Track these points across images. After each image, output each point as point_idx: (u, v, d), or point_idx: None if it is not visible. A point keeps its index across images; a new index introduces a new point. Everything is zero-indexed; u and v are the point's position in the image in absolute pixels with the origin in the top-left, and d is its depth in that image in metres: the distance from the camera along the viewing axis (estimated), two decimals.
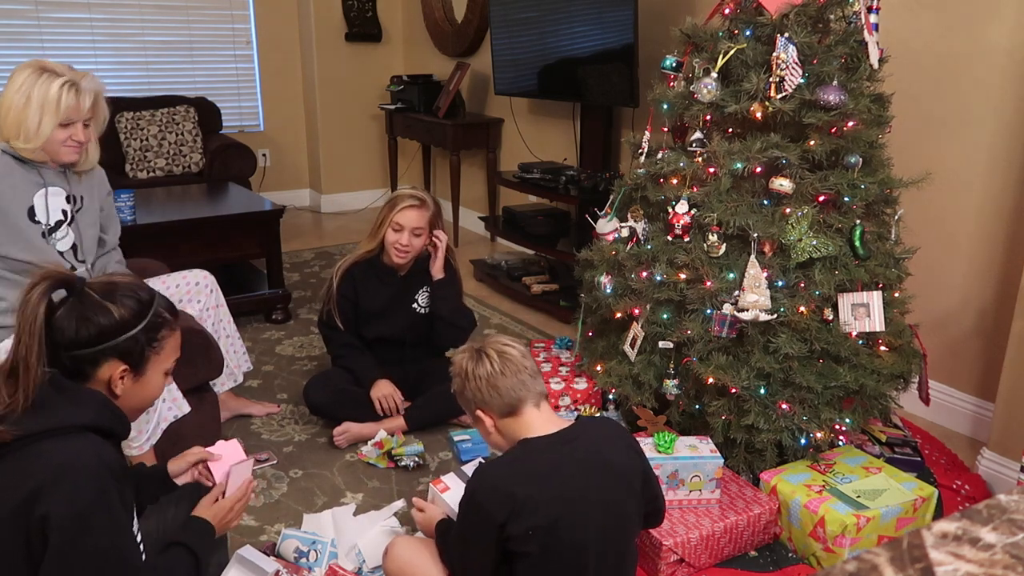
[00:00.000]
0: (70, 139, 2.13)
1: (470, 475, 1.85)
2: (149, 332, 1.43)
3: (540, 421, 1.60)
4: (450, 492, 1.86)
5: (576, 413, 2.60)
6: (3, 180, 2.10)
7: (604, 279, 2.46)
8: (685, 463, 2.04)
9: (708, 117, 2.27)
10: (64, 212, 2.22)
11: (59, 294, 1.40)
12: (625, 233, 2.44)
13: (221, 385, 2.60)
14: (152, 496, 1.68)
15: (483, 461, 2.07)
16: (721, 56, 2.21)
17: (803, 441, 2.16)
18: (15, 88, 2.07)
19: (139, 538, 1.43)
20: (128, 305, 1.42)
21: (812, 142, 2.14)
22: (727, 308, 2.13)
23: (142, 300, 1.45)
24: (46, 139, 2.09)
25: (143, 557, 1.42)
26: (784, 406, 2.13)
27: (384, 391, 2.64)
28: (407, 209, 2.63)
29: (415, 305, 2.78)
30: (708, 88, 2.21)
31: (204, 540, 1.57)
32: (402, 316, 2.76)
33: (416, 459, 2.46)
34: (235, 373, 2.67)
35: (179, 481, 1.72)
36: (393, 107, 5.31)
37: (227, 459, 1.70)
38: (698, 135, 2.28)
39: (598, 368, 2.56)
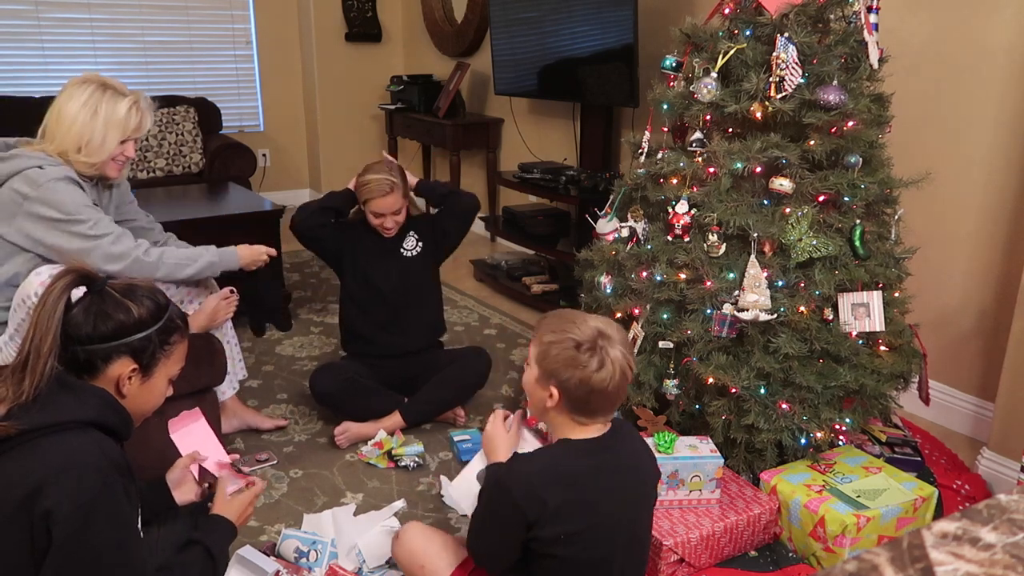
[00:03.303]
0: (122, 154, 2.18)
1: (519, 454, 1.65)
2: (163, 334, 1.47)
3: (595, 431, 1.54)
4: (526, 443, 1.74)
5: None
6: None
7: (604, 279, 2.46)
8: (685, 463, 2.04)
9: (708, 117, 2.27)
10: None
11: (80, 291, 1.42)
12: (625, 233, 2.44)
13: (222, 393, 2.59)
14: (153, 510, 1.69)
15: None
16: (721, 56, 2.21)
17: (803, 441, 2.16)
18: (80, 102, 2.10)
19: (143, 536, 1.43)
20: (147, 305, 1.45)
21: (812, 142, 2.13)
22: (727, 308, 2.13)
23: (159, 303, 1.49)
24: (108, 155, 2.14)
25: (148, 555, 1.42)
26: (784, 406, 2.13)
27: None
28: (379, 199, 2.66)
29: (403, 250, 2.81)
30: (708, 88, 2.21)
31: (221, 537, 1.58)
32: (392, 263, 2.79)
33: (416, 459, 2.47)
34: (233, 380, 2.66)
35: (178, 490, 1.73)
36: (393, 107, 5.31)
37: (190, 436, 1.75)
38: (698, 135, 2.28)
39: None
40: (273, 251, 2.50)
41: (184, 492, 1.74)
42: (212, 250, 2.33)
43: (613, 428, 1.57)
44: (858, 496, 2.04)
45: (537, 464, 1.51)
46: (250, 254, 2.43)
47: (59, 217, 2.06)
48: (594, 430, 1.54)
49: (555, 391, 1.50)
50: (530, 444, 1.72)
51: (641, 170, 2.42)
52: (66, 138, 2.11)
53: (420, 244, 2.83)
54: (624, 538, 1.51)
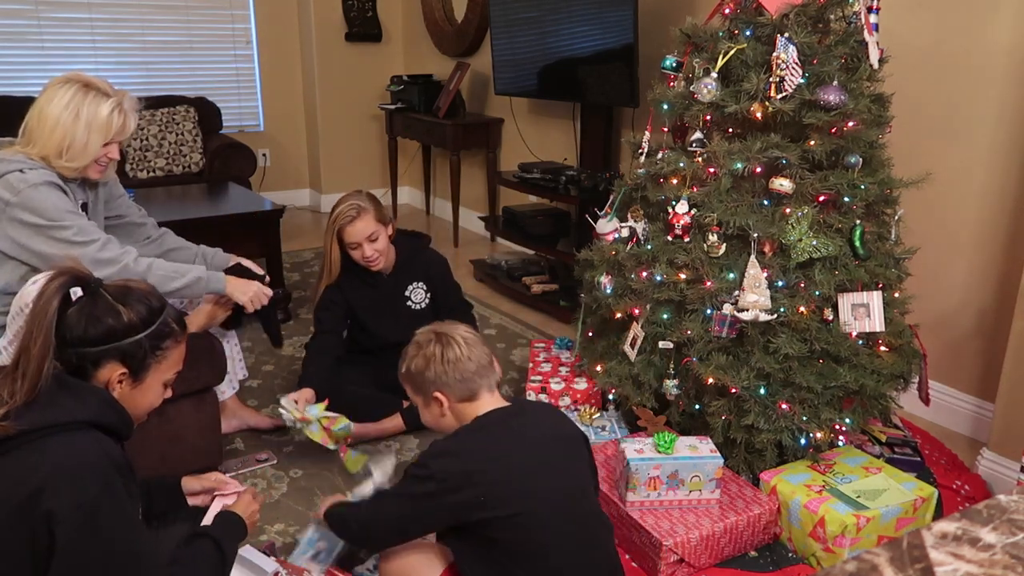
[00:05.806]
0: (105, 156, 2.10)
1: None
2: (154, 339, 1.44)
3: (492, 403, 1.66)
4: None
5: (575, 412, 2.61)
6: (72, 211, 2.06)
7: (604, 279, 2.46)
8: (685, 463, 2.04)
9: (708, 117, 2.27)
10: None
11: (77, 293, 1.41)
12: (625, 233, 2.44)
13: (222, 393, 2.58)
14: (160, 508, 1.68)
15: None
16: (721, 56, 2.21)
17: (803, 441, 2.16)
18: (62, 104, 2.01)
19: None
20: (138, 310, 1.43)
21: (812, 142, 2.14)
22: (727, 308, 2.13)
23: (152, 307, 1.46)
24: (91, 158, 2.06)
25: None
26: (784, 406, 2.13)
27: (304, 395, 2.43)
28: (348, 227, 2.56)
29: (409, 303, 2.76)
30: (708, 88, 2.21)
31: (230, 532, 1.58)
32: (398, 318, 2.73)
33: (291, 419, 2.31)
34: (233, 380, 2.66)
35: (191, 500, 1.73)
36: (393, 107, 5.31)
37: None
38: (698, 135, 2.28)
39: (598, 368, 2.56)
40: (270, 292, 2.36)
41: (194, 502, 1.75)
42: (201, 268, 2.24)
43: (517, 401, 1.73)
44: (858, 496, 2.04)
45: (453, 439, 1.62)
46: (239, 286, 2.30)
47: (42, 223, 1.99)
48: (488, 402, 1.65)
49: (438, 395, 1.64)
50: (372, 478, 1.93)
51: (641, 170, 2.42)
52: (48, 142, 2.02)
53: (429, 297, 2.77)
54: (559, 496, 1.57)
